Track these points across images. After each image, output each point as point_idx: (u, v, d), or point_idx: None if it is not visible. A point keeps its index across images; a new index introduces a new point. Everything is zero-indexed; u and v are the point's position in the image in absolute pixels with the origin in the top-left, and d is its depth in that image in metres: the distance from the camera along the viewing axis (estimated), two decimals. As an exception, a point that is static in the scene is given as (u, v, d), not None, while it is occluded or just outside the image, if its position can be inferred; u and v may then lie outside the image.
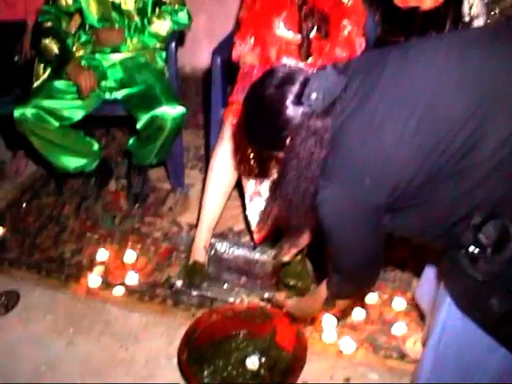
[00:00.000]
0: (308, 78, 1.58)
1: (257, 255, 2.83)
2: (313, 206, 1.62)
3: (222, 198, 2.71)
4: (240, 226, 3.05)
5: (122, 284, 2.72)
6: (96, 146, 3.11)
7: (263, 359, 2.31)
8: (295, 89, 1.58)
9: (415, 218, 1.62)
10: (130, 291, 2.69)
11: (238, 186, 2.77)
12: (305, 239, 2.34)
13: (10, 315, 2.59)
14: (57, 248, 2.95)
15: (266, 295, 2.46)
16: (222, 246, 2.87)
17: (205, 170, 3.35)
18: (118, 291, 2.68)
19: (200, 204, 2.81)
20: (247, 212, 2.69)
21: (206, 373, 2.25)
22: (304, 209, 1.67)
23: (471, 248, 1.50)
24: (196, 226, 2.83)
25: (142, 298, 2.66)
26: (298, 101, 1.57)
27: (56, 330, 2.52)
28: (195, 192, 3.30)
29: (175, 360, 2.33)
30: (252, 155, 2.48)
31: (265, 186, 2.62)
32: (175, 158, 3.24)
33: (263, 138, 1.69)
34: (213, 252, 2.82)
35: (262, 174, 2.57)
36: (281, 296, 2.27)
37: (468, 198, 1.50)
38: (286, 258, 2.42)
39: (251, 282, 2.70)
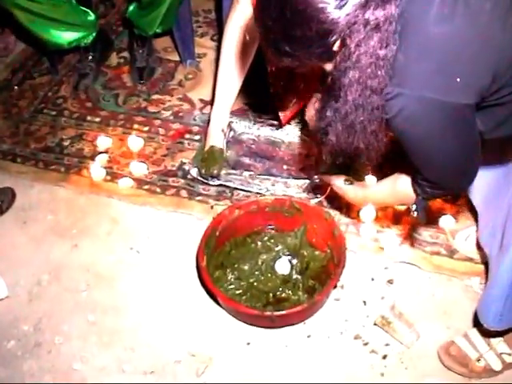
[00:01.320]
0: None
1: (282, 135, 2.46)
2: (383, 121, 1.26)
3: (239, 71, 2.29)
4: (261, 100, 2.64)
5: (129, 175, 2.38)
6: (92, 16, 2.72)
7: (294, 261, 2.01)
8: None
9: None
10: (139, 182, 2.35)
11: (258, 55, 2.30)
12: None
13: (6, 216, 2.27)
14: (54, 135, 2.59)
15: (316, 177, 2.08)
16: (240, 126, 2.50)
17: (218, 37, 2.95)
18: (125, 183, 2.35)
19: (214, 79, 2.42)
20: (272, 88, 2.26)
21: (229, 278, 1.97)
22: (372, 128, 1.30)
23: None
24: (211, 103, 2.45)
25: (153, 190, 2.32)
26: None
27: (58, 232, 2.22)
28: (207, 63, 2.90)
29: (194, 262, 2.03)
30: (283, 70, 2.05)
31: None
32: (183, 25, 2.79)
33: (301, 50, 1.25)
34: (231, 133, 2.45)
35: (302, 96, 2.13)
36: (338, 180, 1.88)
37: None
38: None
39: (276, 168, 2.35)
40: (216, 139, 2.33)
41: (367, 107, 1.25)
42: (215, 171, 2.27)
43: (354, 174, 2.02)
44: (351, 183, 1.83)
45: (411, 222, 2.07)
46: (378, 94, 1.21)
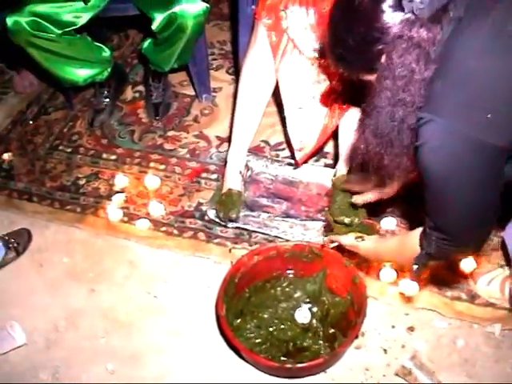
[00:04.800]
0: None
1: (299, 175, 2.44)
2: (411, 145, 1.29)
3: (257, 112, 2.29)
4: (278, 137, 2.65)
5: (146, 216, 2.36)
6: (107, 52, 2.69)
7: (314, 309, 1.99)
8: None
9: None
10: (156, 224, 2.34)
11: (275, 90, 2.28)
12: (392, 189, 1.88)
13: (23, 258, 2.26)
14: (70, 173, 2.58)
15: (326, 238, 2.07)
16: (257, 165, 2.48)
17: (234, 70, 2.95)
18: (142, 225, 2.33)
19: (231, 115, 2.41)
20: (288, 127, 2.25)
21: (249, 327, 1.94)
22: (400, 146, 1.33)
23: None
24: (228, 141, 2.44)
25: (170, 232, 2.31)
26: (399, 4, 1.23)
27: (75, 275, 2.20)
28: (223, 97, 2.89)
29: (213, 308, 2.01)
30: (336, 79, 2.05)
31: (306, 97, 2.17)
32: (199, 60, 2.77)
33: (352, 54, 1.35)
34: (248, 173, 2.43)
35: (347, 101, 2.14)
36: (348, 238, 1.89)
37: None
38: (358, 200, 1.96)
39: (294, 209, 2.33)
40: (234, 182, 2.32)
41: (396, 119, 1.29)
42: (234, 215, 2.25)
43: (364, 229, 1.99)
44: (362, 239, 1.83)
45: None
46: (408, 107, 1.26)
